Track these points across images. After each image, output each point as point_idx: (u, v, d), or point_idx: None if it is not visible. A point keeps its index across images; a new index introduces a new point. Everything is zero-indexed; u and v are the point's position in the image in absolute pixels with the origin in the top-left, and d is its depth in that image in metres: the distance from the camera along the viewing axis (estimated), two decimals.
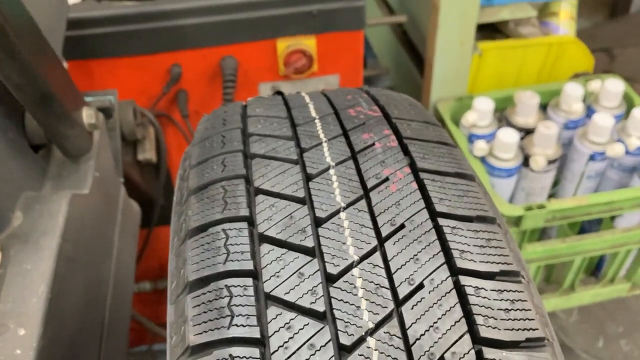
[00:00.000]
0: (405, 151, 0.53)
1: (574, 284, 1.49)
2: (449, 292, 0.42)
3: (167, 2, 1.12)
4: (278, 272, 0.42)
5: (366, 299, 0.41)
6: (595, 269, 1.58)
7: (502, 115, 1.51)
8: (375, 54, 1.99)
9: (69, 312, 0.66)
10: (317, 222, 0.46)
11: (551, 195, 1.53)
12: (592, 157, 1.39)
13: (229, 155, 0.53)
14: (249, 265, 0.43)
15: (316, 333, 0.39)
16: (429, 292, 0.42)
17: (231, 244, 0.45)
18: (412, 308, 0.41)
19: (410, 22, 1.65)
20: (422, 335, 0.40)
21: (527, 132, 1.44)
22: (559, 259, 1.37)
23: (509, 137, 1.33)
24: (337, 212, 0.47)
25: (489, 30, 1.62)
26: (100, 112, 0.93)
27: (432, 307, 0.41)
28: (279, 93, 0.64)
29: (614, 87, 1.45)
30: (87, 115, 0.77)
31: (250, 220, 0.47)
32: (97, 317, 0.77)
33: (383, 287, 0.42)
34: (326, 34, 1.18)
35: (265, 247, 0.44)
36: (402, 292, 0.42)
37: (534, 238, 1.41)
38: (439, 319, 0.40)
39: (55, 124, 0.71)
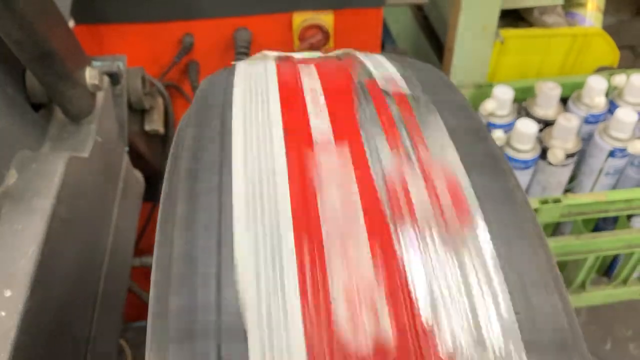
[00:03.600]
0: None
1: (585, 283, 1.45)
2: None
3: None
4: None
5: None
6: (608, 269, 1.54)
7: (522, 106, 1.46)
8: (394, 38, 1.95)
9: (60, 277, 0.63)
10: None
11: (567, 191, 1.48)
12: (612, 153, 1.34)
13: None
14: None
15: None
16: None
17: None
18: None
19: (432, 5, 1.61)
20: None
21: (546, 124, 1.39)
22: (571, 256, 1.33)
23: (527, 127, 1.29)
24: None
25: (513, 18, 1.58)
26: (108, 77, 0.90)
27: None
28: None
29: (639, 82, 1.40)
30: (91, 76, 0.74)
31: None
32: (90, 285, 0.74)
33: None
34: (344, 9, 1.14)
35: None
36: None
37: (547, 233, 1.37)
38: None
39: (55, 83, 0.68)
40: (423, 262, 0.35)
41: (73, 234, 0.68)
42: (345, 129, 0.43)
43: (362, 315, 0.32)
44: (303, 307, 0.32)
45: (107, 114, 0.83)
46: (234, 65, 0.55)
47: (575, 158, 1.35)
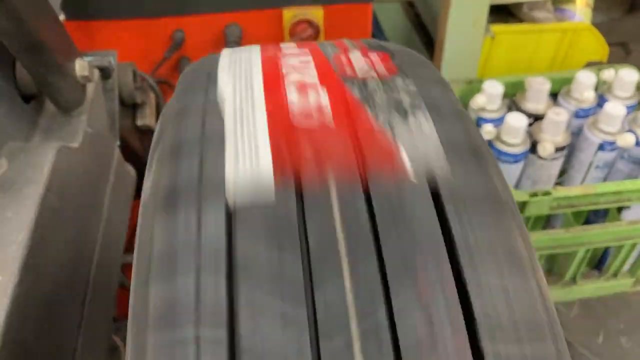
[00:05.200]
0: None
1: (576, 276, 1.46)
2: None
3: None
4: None
5: None
6: (598, 262, 1.55)
7: (512, 101, 1.48)
8: (385, 34, 1.96)
9: (50, 264, 0.64)
10: None
11: (557, 184, 1.50)
12: (601, 147, 1.35)
13: None
14: None
15: None
16: None
17: None
18: None
19: (422, 0, 1.62)
20: None
21: (536, 118, 1.40)
22: (562, 249, 1.34)
23: (517, 121, 1.30)
24: None
25: (503, 14, 1.59)
26: (99, 71, 0.91)
27: None
28: None
29: (628, 76, 1.41)
30: (80, 67, 0.74)
31: None
32: (81, 274, 0.75)
33: None
34: (334, 5, 1.15)
35: None
36: None
37: (538, 227, 1.38)
38: None
39: (45, 74, 0.69)
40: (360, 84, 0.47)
41: (63, 223, 0.68)
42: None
43: (307, 96, 0.45)
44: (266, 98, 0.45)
45: (98, 106, 0.84)
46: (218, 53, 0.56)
47: (564, 151, 1.37)
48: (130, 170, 1.03)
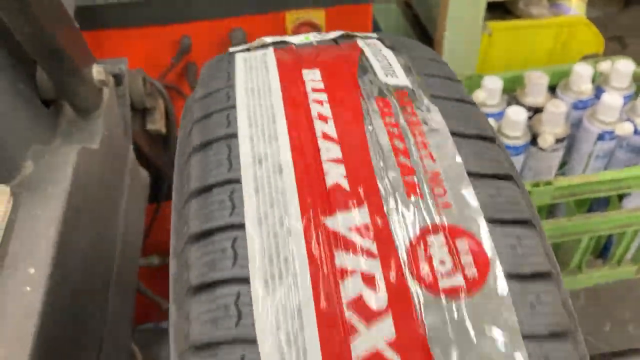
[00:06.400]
0: None
1: (581, 265, 1.49)
2: None
3: None
4: None
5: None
6: (602, 252, 1.58)
7: (511, 95, 1.51)
8: None
9: (76, 260, 0.67)
10: None
11: (559, 176, 1.52)
12: (600, 137, 1.39)
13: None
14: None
15: None
16: None
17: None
18: None
19: (420, 0, 1.66)
20: None
21: (535, 111, 1.43)
22: (566, 237, 1.37)
23: (517, 114, 1.33)
24: None
25: (500, 12, 1.62)
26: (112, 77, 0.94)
27: None
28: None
29: (624, 67, 1.44)
30: (97, 72, 0.78)
31: None
32: (104, 270, 0.78)
33: None
34: (335, 7, 1.18)
35: None
36: None
37: (541, 217, 1.41)
38: None
39: (65, 79, 0.72)
40: None
41: (86, 220, 0.72)
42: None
43: None
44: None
45: (113, 110, 0.87)
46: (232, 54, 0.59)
47: (564, 143, 1.40)
48: (143, 172, 1.06)
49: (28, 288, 0.57)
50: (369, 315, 0.36)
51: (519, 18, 1.59)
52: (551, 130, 1.36)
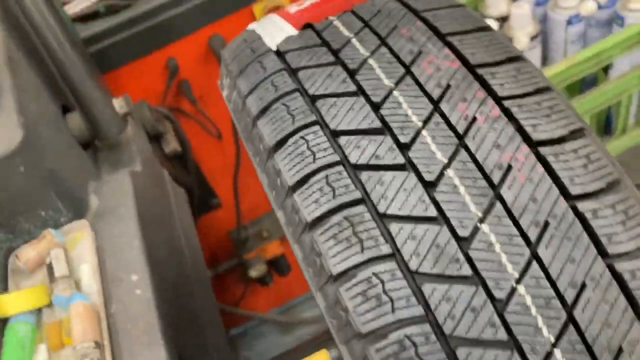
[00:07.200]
0: (510, 117, 0.48)
1: None
2: (610, 284, 0.41)
3: (143, 3, 1.21)
4: (450, 310, 0.41)
5: (539, 314, 0.41)
6: (605, 128, 1.66)
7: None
8: None
9: (162, 262, 0.75)
10: (462, 242, 0.43)
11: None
12: (569, 22, 1.46)
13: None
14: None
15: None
16: (593, 290, 0.41)
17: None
18: (582, 312, 0.41)
19: None
20: (598, 334, 0.40)
21: (503, 20, 1.51)
22: None
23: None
24: (478, 226, 0.43)
25: None
26: None
27: (599, 305, 0.41)
28: (308, 26, 0.60)
29: None
30: (119, 106, 0.86)
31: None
32: (181, 266, 0.87)
33: (551, 298, 0.41)
34: None
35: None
36: (569, 297, 0.41)
37: None
38: (608, 314, 0.41)
39: (98, 117, 0.82)
40: None
41: (156, 229, 0.80)
42: None
43: None
44: None
45: (139, 136, 0.95)
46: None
47: (539, 38, 1.48)
48: (179, 188, 1.14)
49: (138, 291, 0.65)
50: None
51: None
52: (522, 31, 1.44)
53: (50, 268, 0.66)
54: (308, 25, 0.59)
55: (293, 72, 0.55)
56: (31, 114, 0.70)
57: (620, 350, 0.40)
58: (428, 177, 0.45)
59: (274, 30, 0.61)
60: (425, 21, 0.55)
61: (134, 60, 1.25)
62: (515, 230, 0.43)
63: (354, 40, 0.55)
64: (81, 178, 0.78)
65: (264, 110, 0.54)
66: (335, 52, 0.55)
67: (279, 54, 0.58)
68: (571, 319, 0.41)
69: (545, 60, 1.59)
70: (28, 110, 0.69)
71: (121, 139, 0.88)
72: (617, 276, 0.42)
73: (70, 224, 0.72)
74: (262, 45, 0.60)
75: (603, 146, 0.48)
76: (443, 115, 0.48)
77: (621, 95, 1.46)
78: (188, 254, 0.94)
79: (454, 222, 0.43)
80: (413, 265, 0.42)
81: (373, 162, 0.47)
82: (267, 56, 0.58)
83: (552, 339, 0.40)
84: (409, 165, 0.46)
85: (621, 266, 0.42)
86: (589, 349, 0.40)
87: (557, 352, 0.40)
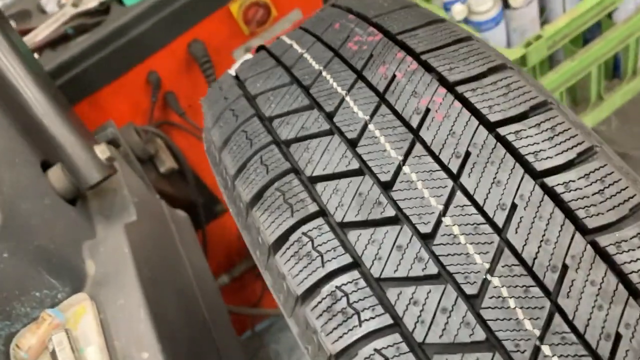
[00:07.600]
0: (429, 68, 0.50)
1: (601, 93, 1.49)
2: (542, 201, 0.40)
3: (114, 18, 1.13)
4: (377, 253, 0.41)
5: (470, 243, 0.40)
6: (614, 72, 1.58)
7: None
8: None
9: (173, 320, 0.71)
10: (386, 187, 0.44)
11: (544, 23, 1.52)
12: None
13: (264, 151, 0.51)
14: (347, 259, 0.42)
15: (442, 296, 0.39)
16: (524, 209, 0.40)
17: (319, 245, 0.43)
18: (516, 232, 0.40)
19: None
20: (537, 253, 0.39)
21: None
22: (576, 77, 1.37)
23: None
24: (399, 168, 0.44)
25: None
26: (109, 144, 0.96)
27: (533, 222, 0.40)
28: (261, 48, 0.64)
29: None
30: (101, 152, 0.80)
31: (323, 213, 0.45)
32: (197, 313, 0.82)
33: (480, 224, 0.41)
34: None
35: (352, 235, 0.43)
36: (500, 220, 0.40)
37: (545, 70, 1.41)
38: (545, 230, 0.39)
39: (82, 169, 0.75)
40: None
41: (162, 283, 0.75)
42: None
43: None
44: None
45: (128, 175, 0.89)
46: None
47: None
48: (181, 213, 1.09)
49: None
50: None
51: None
52: None
53: (54, 355, 0.61)
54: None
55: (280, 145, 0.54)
56: (7, 188, 0.64)
57: (564, 266, 0.38)
58: (350, 135, 0.48)
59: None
60: (351, 11, 0.59)
61: (113, 80, 1.18)
62: (436, 166, 0.44)
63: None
64: (73, 242, 0.72)
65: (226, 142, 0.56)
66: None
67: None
68: (505, 242, 0.40)
69: (542, 12, 1.50)
70: (3, 184, 0.64)
71: (110, 185, 0.82)
72: (549, 191, 0.41)
73: (69, 299, 0.67)
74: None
75: (529, 76, 0.49)
76: (365, 80, 0.52)
77: (629, 39, 1.37)
78: (198, 289, 0.89)
79: (375, 170, 0.45)
80: (338, 216, 0.44)
81: (301, 134, 0.50)
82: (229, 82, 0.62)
83: (487, 266, 0.39)
84: (335, 129, 0.49)
85: (552, 180, 0.41)
86: (529, 269, 0.39)
87: (495, 279, 0.38)
